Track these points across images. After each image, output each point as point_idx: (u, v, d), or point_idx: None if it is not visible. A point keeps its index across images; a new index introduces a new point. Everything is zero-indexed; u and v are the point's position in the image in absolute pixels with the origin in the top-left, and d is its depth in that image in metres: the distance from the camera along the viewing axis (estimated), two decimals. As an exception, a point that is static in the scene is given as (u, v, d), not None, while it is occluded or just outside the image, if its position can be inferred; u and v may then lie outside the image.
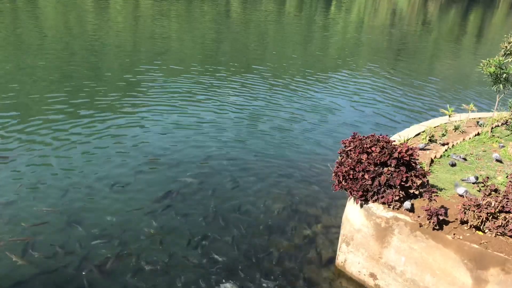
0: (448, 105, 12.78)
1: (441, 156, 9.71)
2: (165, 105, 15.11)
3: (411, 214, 6.99)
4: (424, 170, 7.67)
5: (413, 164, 7.57)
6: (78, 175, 10.21)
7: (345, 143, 8.04)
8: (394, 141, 7.98)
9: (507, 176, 7.76)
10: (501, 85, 11.22)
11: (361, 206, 7.45)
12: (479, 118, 12.98)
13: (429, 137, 10.48)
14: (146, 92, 16.18)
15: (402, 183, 7.25)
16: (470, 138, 11.09)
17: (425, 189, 7.28)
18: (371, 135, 7.90)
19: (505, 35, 9.09)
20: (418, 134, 10.99)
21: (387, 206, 7.22)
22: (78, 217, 8.72)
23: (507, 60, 10.00)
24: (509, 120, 12.33)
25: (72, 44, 22.41)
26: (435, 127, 11.54)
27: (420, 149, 9.93)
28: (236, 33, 30.64)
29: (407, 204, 7.00)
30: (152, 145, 12.13)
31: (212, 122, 14.17)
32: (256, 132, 13.72)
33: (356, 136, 8.01)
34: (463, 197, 7.37)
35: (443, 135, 10.74)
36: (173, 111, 14.67)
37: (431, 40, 38.28)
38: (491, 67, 11.16)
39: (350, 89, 19.13)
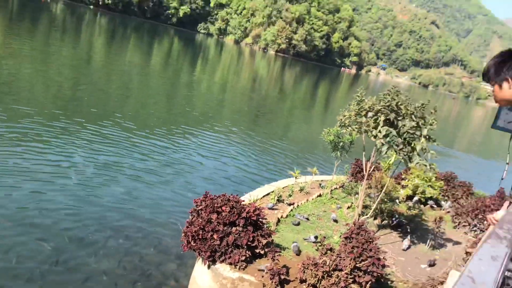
0: (295, 168, 13.83)
1: (287, 216, 10.30)
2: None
3: (255, 274, 7.13)
4: (270, 229, 8.01)
5: (260, 224, 7.86)
6: None
7: (196, 202, 8.02)
8: (244, 200, 8.23)
9: (341, 236, 8.52)
10: (338, 152, 12.67)
11: (209, 267, 7.37)
12: (322, 180, 14.30)
13: (277, 197, 11.10)
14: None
15: (249, 243, 7.42)
16: (313, 199, 12.05)
17: (269, 248, 7.56)
18: (222, 195, 8.03)
19: (340, 109, 10.36)
20: (268, 194, 11.56)
21: (233, 266, 7.26)
22: None
23: (343, 131, 11.36)
24: (346, 183, 13.83)
25: None
26: (283, 188, 12.32)
27: (269, 209, 10.42)
28: (96, 81, 29.43)
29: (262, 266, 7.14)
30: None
31: (55, 168, 12.91)
32: (105, 184, 12.87)
33: (208, 195, 8.06)
34: (294, 252, 7.98)
35: (290, 195, 11.49)
36: (9, 155, 13.04)
37: (286, 107, 41.84)
38: (330, 136, 12.58)
39: (209, 147, 19.54)
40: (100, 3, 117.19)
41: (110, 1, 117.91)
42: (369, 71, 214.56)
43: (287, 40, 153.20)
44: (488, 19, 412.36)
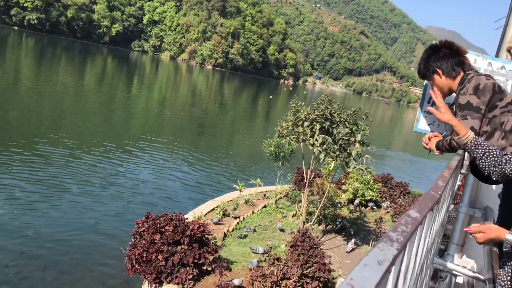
0: (239, 181, 13.86)
1: (233, 229, 10.28)
2: None
3: (204, 291, 7.04)
4: (216, 245, 7.95)
5: (206, 240, 7.78)
6: None
7: (138, 224, 7.80)
8: (188, 218, 8.11)
9: (287, 245, 8.63)
10: (280, 162, 12.86)
11: (155, 289, 7.17)
12: (266, 191, 14.43)
13: (223, 211, 11.06)
14: None
15: (196, 261, 7.32)
16: (258, 210, 12.12)
17: (216, 264, 7.49)
18: (165, 214, 7.88)
19: (278, 120, 10.56)
20: (213, 209, 11.49)
21: (181, 286, 7.11)
22: None
23: (282, 141, 11.59)
24: (289, 192, 14.06)
25: None
26: (228, 202, 12.30)
27: (215, 224, 10.35)
28: (26, 102, 27.89)
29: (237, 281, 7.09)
30: None
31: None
32: (42, 205, 12.14)
33: (150, 216, 7.88)
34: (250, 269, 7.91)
35: (235, 209, 11.49)
36: None
37: (227, 119, 41.96)
38: (271, 147, 12.75)
39: (150, 165, 19.10)
40: (25, 23, 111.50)
41: (36, 21, 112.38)
42: (306, 81, 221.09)
43: (223, 55, 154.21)
44: (412, 27, 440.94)
